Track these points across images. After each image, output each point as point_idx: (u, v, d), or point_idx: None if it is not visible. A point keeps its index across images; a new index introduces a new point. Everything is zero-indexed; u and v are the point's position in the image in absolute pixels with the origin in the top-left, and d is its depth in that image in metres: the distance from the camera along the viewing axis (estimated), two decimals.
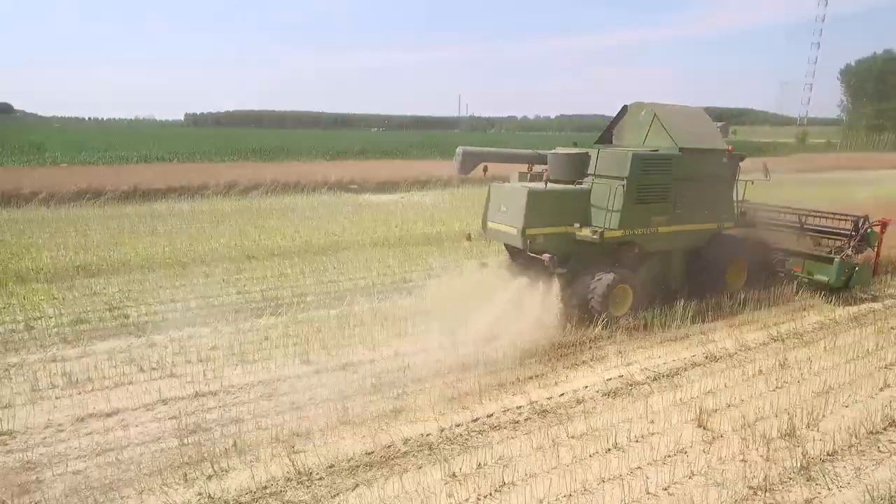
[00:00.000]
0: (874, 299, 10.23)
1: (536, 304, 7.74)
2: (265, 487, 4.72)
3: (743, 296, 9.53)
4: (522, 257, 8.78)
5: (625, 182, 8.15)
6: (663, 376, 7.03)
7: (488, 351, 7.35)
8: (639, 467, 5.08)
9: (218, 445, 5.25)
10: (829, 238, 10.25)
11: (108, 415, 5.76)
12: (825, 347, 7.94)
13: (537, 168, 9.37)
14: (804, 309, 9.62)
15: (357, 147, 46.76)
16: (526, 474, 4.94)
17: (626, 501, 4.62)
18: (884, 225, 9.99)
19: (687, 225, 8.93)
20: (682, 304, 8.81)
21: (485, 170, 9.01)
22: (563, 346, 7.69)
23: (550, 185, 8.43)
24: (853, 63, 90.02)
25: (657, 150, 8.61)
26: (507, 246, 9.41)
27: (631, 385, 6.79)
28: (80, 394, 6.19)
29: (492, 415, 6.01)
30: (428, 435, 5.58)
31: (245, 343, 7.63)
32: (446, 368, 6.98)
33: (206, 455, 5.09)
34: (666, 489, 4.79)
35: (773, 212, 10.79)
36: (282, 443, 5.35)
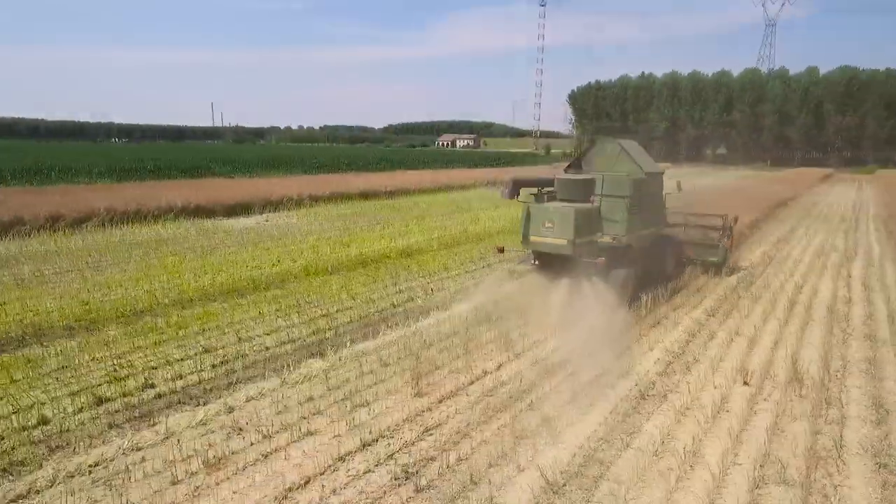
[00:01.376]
0: (730, 273, 14.13)
1: (597, 299, 9.25)
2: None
3: (668, 284, 12.36)
4: (551, 265, 10.32)
5: (627, 199, 10.24)
6: (680, 354, 9.04)
7: (557, 353, 8.48)
8: (748, 418, 6.87)
9: (453, 484, 5.39)
10: (710, 231, 13.85)
11: (304, 485, 5.30)
12: (743, 316, 10.98)
13: (546, 190, 10.82)
14: (701, 289, 12.86)
15: (149, 164, 41.19)
16: (711, 424, 6.33)
17: (771, 439, 6.32)
18: (735, 220, 14.03)
19: (650, 228, 11.42)
20: (643, 296, 11.14)
21: (517, 195, 10.14)
22: None
23: (586, 205, 10.22)
24: (576, 89, 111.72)
25: (627, 175, 10.77)
26: (539, 255, 10.88)
27: (669, 363, 8.63)
28: (237, 473, 5.43)
29: (623, 397, 7.24)
30: (601, 422, 6.54)
31: (334, 388, 7.31)
32: (542, 372, 7.90)
33: (454, 495, 5.23)
34: (776, 426, 6.65)
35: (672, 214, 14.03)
36: (507, 467, 5.71)
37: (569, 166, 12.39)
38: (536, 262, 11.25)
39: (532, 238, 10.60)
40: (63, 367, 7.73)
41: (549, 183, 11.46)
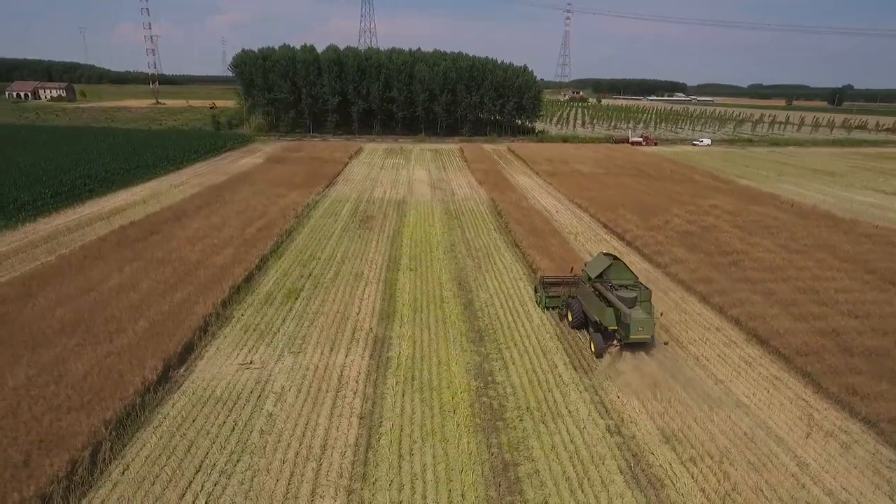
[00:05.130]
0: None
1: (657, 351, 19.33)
2: None
3: None
4: (630, 347, 20.58)
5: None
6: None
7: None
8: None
9: None
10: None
11: None
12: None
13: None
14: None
15: None
16: None
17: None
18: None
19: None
20: None
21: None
22: None
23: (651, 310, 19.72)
24: (237, 56, 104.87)
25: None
26: (628, 345, 20.71)
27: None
28: None
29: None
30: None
31: None
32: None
33: None
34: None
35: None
36: None
37: (598, 277, 22.30)
38: (618, 344, 20.88)
39: (632, 336, 20.15)
40: None
41: (574, 281, 23.16)
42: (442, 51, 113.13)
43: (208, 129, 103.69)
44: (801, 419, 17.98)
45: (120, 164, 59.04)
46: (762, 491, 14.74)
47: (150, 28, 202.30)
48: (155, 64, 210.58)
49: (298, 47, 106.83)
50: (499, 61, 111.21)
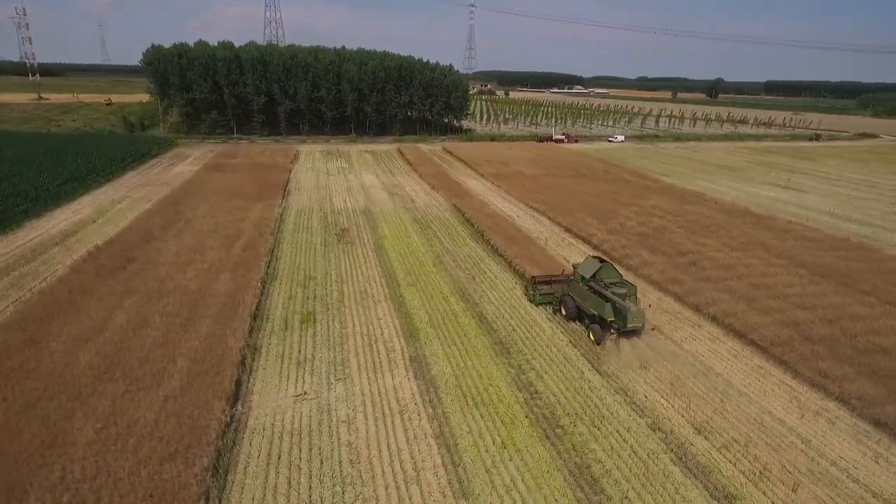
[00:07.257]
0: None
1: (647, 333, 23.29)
2: None
3: None
4: (626, 335, 24.18)
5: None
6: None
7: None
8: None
9: None
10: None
11: None
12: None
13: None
14: None
15: None
16: None
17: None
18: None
19: None
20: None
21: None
22: None
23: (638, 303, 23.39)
24: (148, 51, 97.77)
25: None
26: (626, 332, 24.33)
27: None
28: None
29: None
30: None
31: None
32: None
33: None
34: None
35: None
36: None
37: (591, 277, 25.58)
38: (614, 333, 24.57)
39: (629, 325, 24.05)
40: None
41: (566, 279, 27.33)
42: (366, 49, 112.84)
43: (120, 132, 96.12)
44: (792, 402, 21.77)
45: (46, 177, 53.95)
46: (786, 468, 18.08)
47: (24, 13, 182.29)
48: (33, 54, 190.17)
49: (216, 43, 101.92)
50: (426, 60, 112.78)
